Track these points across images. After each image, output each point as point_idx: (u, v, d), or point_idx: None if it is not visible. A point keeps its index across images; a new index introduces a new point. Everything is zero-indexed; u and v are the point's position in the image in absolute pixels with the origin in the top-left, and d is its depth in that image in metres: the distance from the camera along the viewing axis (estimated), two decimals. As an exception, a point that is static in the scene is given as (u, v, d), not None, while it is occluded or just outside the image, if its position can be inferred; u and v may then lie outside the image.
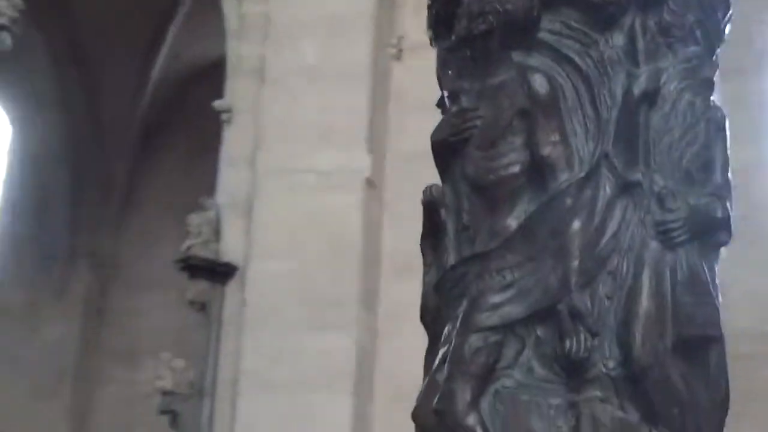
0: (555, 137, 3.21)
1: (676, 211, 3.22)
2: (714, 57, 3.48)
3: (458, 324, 3.15)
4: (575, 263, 3.11)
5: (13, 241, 18.74)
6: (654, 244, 3.19)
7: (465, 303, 3.16)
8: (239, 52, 12.66)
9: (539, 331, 3.14)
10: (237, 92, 12.52)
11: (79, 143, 18.96)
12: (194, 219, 12.30)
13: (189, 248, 12.15)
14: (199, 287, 12.17)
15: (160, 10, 18.24)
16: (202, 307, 12.17)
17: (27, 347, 17.96)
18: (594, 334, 3.08)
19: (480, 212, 3.28)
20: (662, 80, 3.32)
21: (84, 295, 18.86)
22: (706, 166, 3.33)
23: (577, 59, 3.28)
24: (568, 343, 3.07)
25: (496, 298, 3.12)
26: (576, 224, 3.13)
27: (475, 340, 3.09)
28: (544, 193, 3.20)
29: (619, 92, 3.29)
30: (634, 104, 3.27)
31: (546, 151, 3.21)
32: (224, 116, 12.60)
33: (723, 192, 3.34)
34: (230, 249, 12.03)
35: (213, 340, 12.10)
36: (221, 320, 12.05)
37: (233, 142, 12.42)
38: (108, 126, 18.93)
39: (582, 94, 3.27)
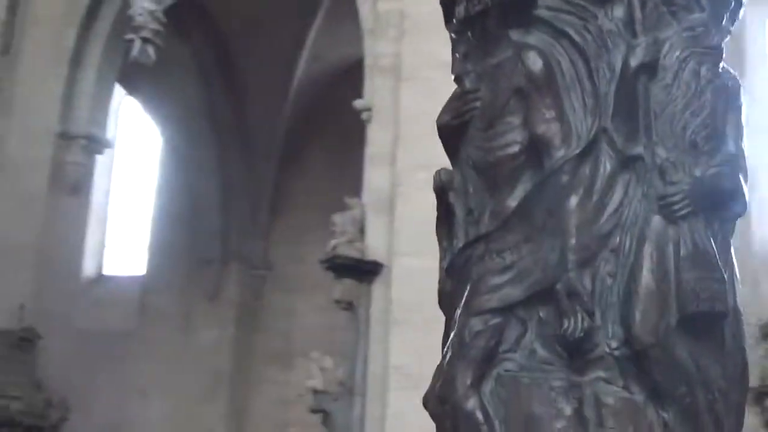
0: (550, 114, 3.14)
1: (678, 184, 3.09)
2: (722, 23, 3.33)
3: (461, 307, 3.13)
4: (572, 241, 3.03)
5: (167, 248, 19.27)
6: (656, 219, 3.08)
7: (468, 286, 3.14)
8: (375, 50, 12.71)
9: (542, 313, 3.07)
10: (375, 91, 12.56)
11: (227, 149, 19.37)
12: (339, 218, 12.38)
13: (334, 248, 12.24)
14: (345, 286, 12.25)
15: (300, 14, 18.47)
16: (348, 305, 12.25)
17: (183, 352, 18.42)
18: (591, 314, 3.00)
19: (483, 194, 3.25)
20: (664, 50, 3.19)
21: (237, 298, 19.25)
22: (714, 135, 3.18)
23: (573, 34, 3.20)
24: (565, 323, 2.99)
25: (495, 280, 3.09)
26: (572, 201, 3.05)
27: (475, 324, 3.07)
28: (542, 172, 3.13)
29: (618, 65, 3.19)
30: (631, 76, 3.16)
31: (541, 129, 3.13)
32: (364, 115, 12.65)
33: (734, 162, 3.18)
34: (375, 247, 12.07)
35: (361, 338, 12.17)
36: (368, 318, 12.10)
37: (375, 140, 12.46)
38: (254, 131, 19.29)
39: (580, 69, 3.18)
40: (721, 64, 3.26)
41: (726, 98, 3.22)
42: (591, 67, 3.17)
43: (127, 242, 20.04)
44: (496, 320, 3.06)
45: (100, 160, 16.70)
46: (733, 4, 3.37)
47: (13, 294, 14.51)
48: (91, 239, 18.55)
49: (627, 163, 3.11)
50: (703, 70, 3.20)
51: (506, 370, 3.05)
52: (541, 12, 3.23)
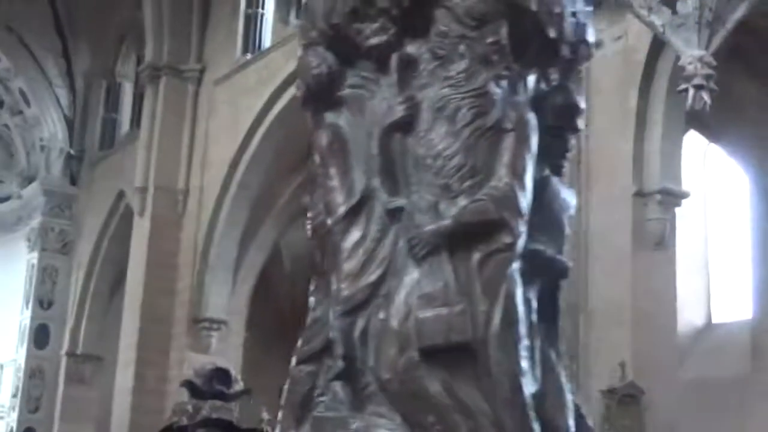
0: (332, 183, 3.52)
1: (419, 227, 3.35)
2: (489, 63, 3.47)
3: None
4: (338, 294, 3.42)
5: None
6: (410, 263, 3.36)
7: None
8: None
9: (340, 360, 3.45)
10: None
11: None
12: None
13: None
14: None
15: None
16: None
17: None
18: (343, 357, 3.36)
19: None
20: (424, 104, 3.45)
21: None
22: (474, 174, 3.35)
23: (356, 108, 3.58)
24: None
25: (308, 333, 3.55)
26: (341, 258, 3.43)
27: (295, 373, 3.54)
28: None
29: None
30: (384, 135, 3.47)
31: (325, 199, 3.54)
32: None
33: (496, 195, 3.32)
34: None
35: None
36: None
37: None
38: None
39: (362, 138, 3.53)
40: (487, 104, 3.41)
41: (494, 135, 3.38)
42: (365, 133, 3.54)
43: (732, 288, 19.76)
44: (309, 368, 3.50)
45: (692, 210, 16.90)
46: (502, 42, 3.47)
47: (614, 353, 15.22)
48: (692, 289, 18.66)
49: (394, 215, 3.43)
50: (461, 114, 3.40)
51: (318, 412, 3.46)
52: (345, 91, 3.64)
